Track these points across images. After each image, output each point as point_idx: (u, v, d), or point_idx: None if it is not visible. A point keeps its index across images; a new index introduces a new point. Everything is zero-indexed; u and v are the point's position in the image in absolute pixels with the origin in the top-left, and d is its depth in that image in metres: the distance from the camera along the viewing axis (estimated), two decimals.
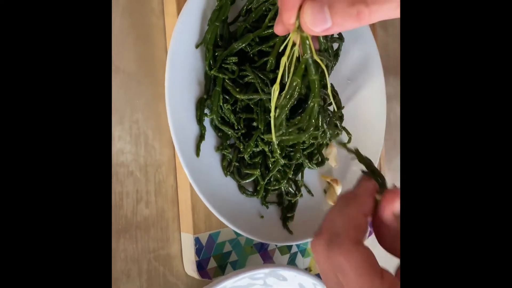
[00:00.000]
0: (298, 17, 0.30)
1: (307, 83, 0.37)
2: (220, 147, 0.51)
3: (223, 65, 0.49)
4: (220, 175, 0.51)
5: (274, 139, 0.38)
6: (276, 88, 0.36)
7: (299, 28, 0.30)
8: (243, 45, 0.49)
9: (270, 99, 0.50)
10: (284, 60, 0.34)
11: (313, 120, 0.39)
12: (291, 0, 0.29)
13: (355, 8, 0.26)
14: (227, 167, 0.51)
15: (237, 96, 0.49)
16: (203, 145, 0.49)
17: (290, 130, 0.40)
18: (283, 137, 0.40)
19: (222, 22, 0.50)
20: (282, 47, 0.34)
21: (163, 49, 0.52)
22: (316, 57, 0.34)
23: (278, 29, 0.35)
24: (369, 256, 0.26)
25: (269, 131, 0.51)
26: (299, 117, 0.40)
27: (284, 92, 0.36)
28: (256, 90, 0.50)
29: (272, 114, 0.37)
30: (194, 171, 0.47)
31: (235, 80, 0.50)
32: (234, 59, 0.49)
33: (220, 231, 0.52)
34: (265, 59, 0.50)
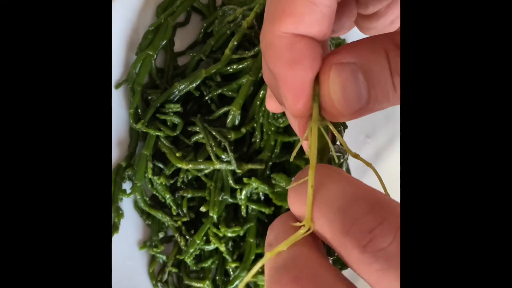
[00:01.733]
0: (316, 97, 0.16)
1: None
2: (147, 243, 0.32)
3: (158, 115, 0.32)
4: (147, 286, 0.32)
5: None
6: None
7: (321, 116, 0.17)
8: (192, 86, 0.32)
9: (232, 171, 0.32)
10: (310, 188, 0.15)
11: None
12: (297, 71, 0.16)
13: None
14: (158, 275, 0.33)
15: (179, 165, 0.31)
16: (116, 240, 0.31)
17: None
18: None
19: (163, 51, 0.33)
20: (296, 151, 0.17)
21: None
22: (353, 154, 0.17)
23: (271, 106, 0.22)
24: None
25: (228, 220, 0.33)
26: None
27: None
28: (209, 156, 0.32)
29: None
30: None
31: (177, 139, 0.32)
32: (176, 107, 0.32)
33: None
34: (225, 108, 0.32)
